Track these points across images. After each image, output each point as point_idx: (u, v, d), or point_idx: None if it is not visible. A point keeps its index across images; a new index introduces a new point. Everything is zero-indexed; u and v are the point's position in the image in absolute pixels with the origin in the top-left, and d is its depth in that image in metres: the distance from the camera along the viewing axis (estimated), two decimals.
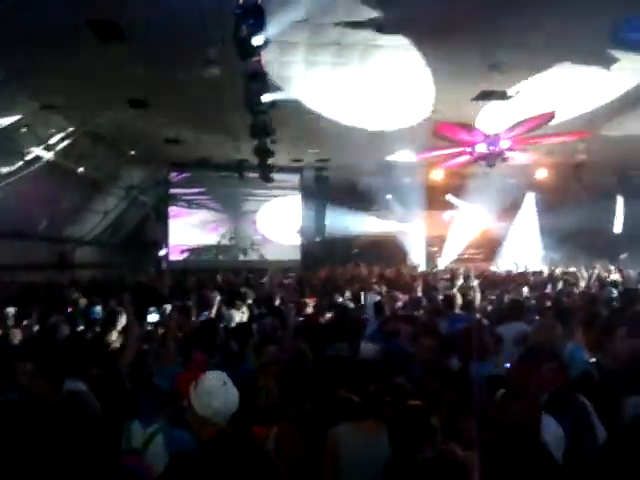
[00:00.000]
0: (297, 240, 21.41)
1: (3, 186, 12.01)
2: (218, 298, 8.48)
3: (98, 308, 9.47)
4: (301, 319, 8.30)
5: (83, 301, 10.23)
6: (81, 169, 14.11)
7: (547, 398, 3.23)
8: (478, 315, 8.73)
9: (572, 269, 16.13)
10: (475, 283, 11.30)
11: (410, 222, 23.57)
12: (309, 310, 9.19)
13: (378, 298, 9.41)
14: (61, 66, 10.15)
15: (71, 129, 13.08)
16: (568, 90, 11.39)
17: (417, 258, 24.05)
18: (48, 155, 12.58)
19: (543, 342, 5.06)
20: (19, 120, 11.66)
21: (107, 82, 10.97)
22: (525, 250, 21.47)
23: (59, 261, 17.41)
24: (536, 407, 3.31)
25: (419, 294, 11.09)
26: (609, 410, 4.04)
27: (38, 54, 9.42)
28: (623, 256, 14.92)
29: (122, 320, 7.45)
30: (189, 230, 20.63)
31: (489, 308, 10.05)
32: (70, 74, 10.54)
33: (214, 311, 8.29)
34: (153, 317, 8.08)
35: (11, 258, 13.79)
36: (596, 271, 14.11)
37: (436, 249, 25.30)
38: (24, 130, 12.00)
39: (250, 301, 10.54)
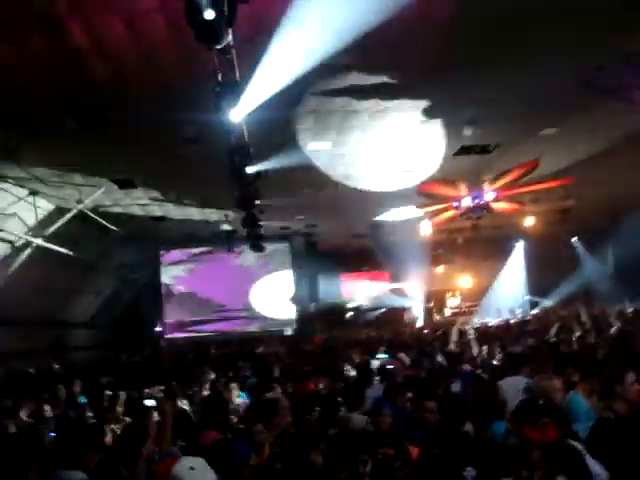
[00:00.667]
0: (292, 309, 21.21)
1: None
2: (212, 376, 8.31)
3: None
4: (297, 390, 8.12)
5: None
6: (71, 252, 14.09)
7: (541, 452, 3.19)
8: (479, 370, 8.64)
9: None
10: (471, 337, 11.20)
11: (403, 280, 23.59)
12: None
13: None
14: (45, 151, 10.29)
15: (58, 213, 13.15)
16: (547, 139, 11.54)
17: (415, 314, 24.04)
18: (37, 240, 12.59)
19: (539, 395, 5.01)
20: (6, 207, 11.74)
21: (91, 164, 11.12)
22: (516, 298, 21.45)
23: (54, 345, 17.22)
24: None
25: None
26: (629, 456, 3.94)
27: (22, 139, 9.53)
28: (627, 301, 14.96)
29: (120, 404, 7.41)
30: (182, 305, 20.48)
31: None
32: (54, 159, 10.67)
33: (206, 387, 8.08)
34: (149, 402, 7.94)
35: (4, 345, 13.65)
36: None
37: (432, 304, 25.28)
38: (11, 217, 12.06)
39: (247, 373, 10.42)
